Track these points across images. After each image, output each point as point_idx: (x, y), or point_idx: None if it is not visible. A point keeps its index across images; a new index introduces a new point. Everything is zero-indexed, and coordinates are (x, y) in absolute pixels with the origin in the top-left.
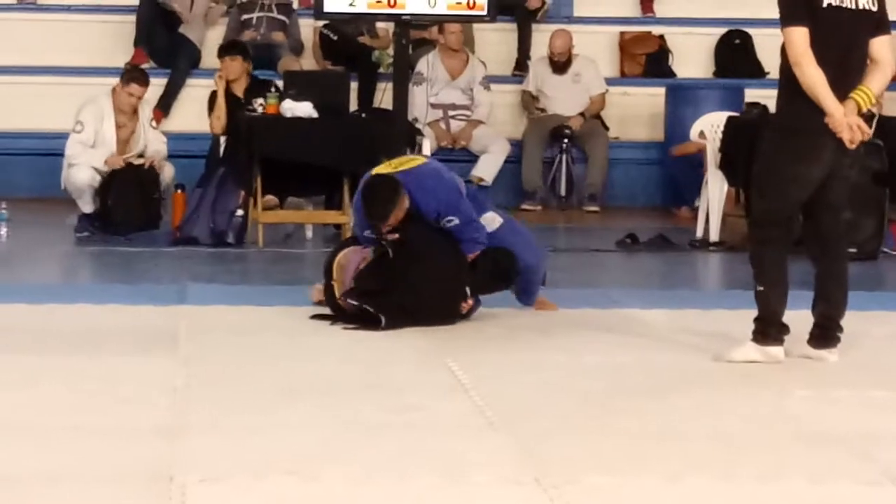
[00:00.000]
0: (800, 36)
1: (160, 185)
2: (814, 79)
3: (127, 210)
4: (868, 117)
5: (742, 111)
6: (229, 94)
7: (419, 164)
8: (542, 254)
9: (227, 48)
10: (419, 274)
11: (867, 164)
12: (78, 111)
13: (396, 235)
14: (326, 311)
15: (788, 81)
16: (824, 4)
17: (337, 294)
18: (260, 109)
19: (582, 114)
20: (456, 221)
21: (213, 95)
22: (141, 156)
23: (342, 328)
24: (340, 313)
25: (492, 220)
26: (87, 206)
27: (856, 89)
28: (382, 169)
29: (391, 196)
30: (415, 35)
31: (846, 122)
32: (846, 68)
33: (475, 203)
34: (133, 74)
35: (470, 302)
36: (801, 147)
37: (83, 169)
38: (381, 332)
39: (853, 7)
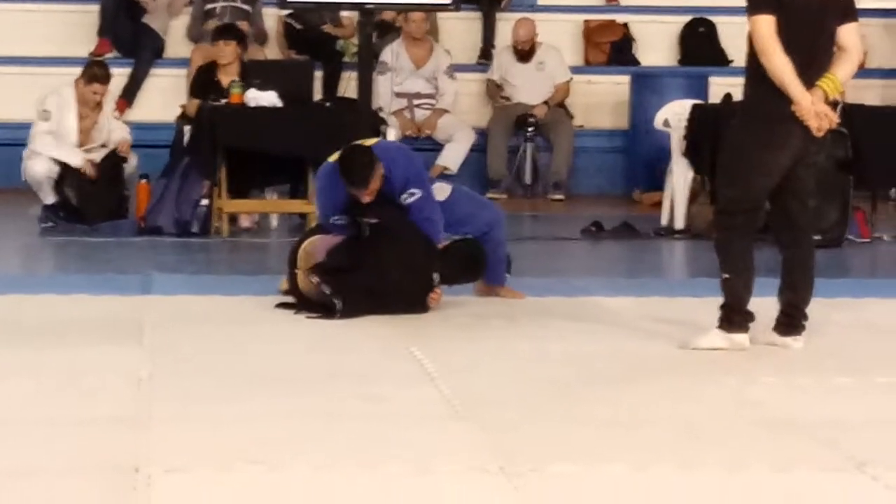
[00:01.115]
0: (766, 24)
1: (123, 174)
2: (780, 67)
3: (92, 200)
4: (832, 105)
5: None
6: (213, 81)
7: (377, 140)
8: (500, 216)
9: (222, 31)
10: (390, 255)
11: (832, 151)
12: (42, 100)
13: (374, 220)
14: (291, 300)
15: (754, 69)
16: None
17: (301, 282)
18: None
19: (546, 102)
20: (418, 195)
21: (199, 74)
22: (104, 146)
23: (305, 317)
24: (304, 302)
25: (441, 190)
26: (48, 198)
27: (823, 77)
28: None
29: (368, 162)
30: (378, 18)
31: (813, 109)
32: (813, 56)
33: None
34: (94, 73)
35: (438, 292)
36: (768, 134)
37: (41, 161)
38: (344, 320)
39: None
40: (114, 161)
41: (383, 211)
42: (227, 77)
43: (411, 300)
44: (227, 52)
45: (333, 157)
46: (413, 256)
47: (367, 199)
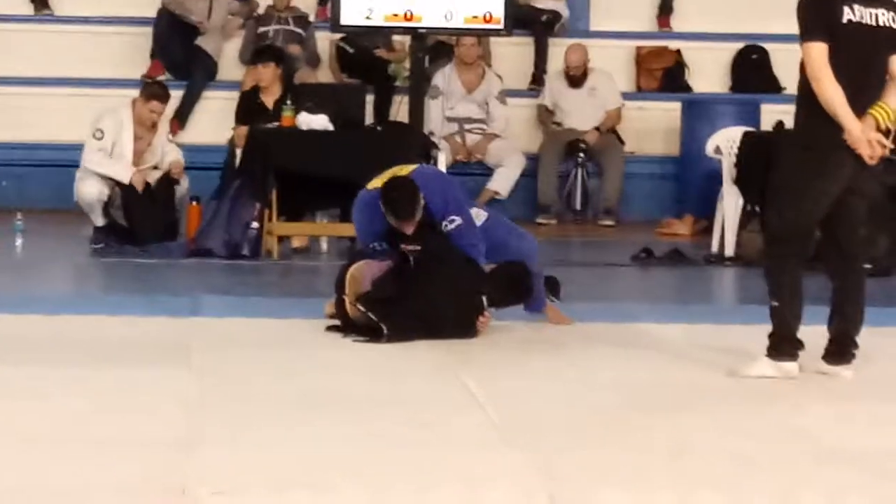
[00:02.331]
0: (818, 51)
1: (175, 196)
2: (832, 94)
3: (142, 221)
4: (884, 133)
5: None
6: (258, 103)
7: (415, 168)
8: (534, 244)
9: (259, 53)
10: (437, 281)
11: (884, 179)
12: (97, 119)
13: (418, 247)
14: (338, 323)
15: (806, 97)
16: (844, 20)
17: (348, 307)
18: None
19: (597, 128)
20: (459, 222)
21: (242, 100)
22: (156, 167)
23: (352, 340)
24: (350, 326)
25: (477, 215)
26: (98, 220)
27: (874, 106)
28: (377, 182)
29: (413, 194)
30: (432, 39)
31: (864, 137)
32: (864, 84)
33: None
34: (154, 90)
35: (487, 316)
36: (819, 163)
37: (92, 183)
38: (392, 344)
39: (873, 24)
40: (166, 183)
41: (425, 238)
42: (270, 98)
43: (460, 324)
44: (266, 74)
45: (371, 185)
46: (460, 280)
47: (409, 230)
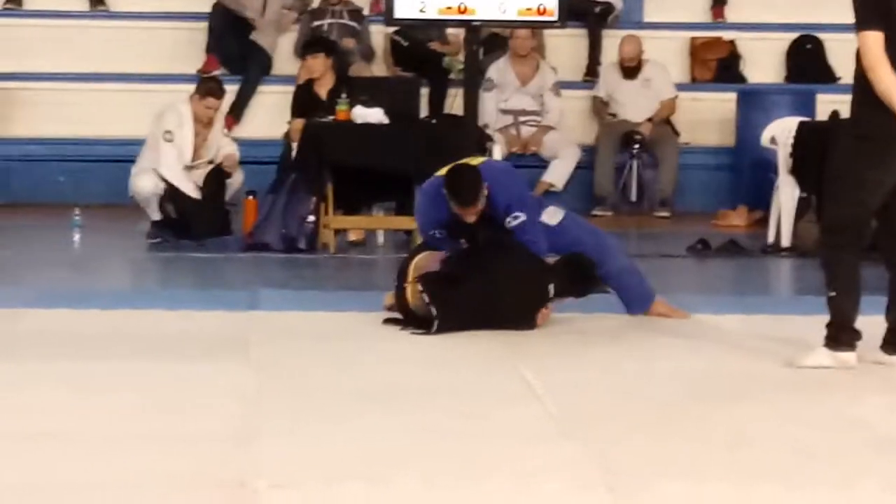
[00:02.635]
0: (874, 40)
1: (226, 190)
2: (888, 83)
3: (195, 216)
4: None
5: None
6: (312, 96)
7: (483, 160)
8: (612, 241)
9: (308, 45)
10: (505, 266)
11: None
12: (160, 117)
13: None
14: (397, 315)
15: (862, 86)
16: None
17: (409, 296)
18: None
19: (650, 118)
20: (522, 218)
21: (297, 93)
22: (211, 162)
23: (410, 333)
24: (410, 317)
25: (554, 214)
26: (155, 214)
27: None
28: (443, 170)
29: (476, 180)
30: (486, 31)
31: None
32: None
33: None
34: (209, 87)
35: (549, 308)
36: (875, 152)
37: (148, 177)
38: (448, 335)
39: None
40: (218, 176)
41: (486, 232)
42: (323, 89)
43: (521, 314)
44: (315, 65)
45: (440, 173)
46: (525, 269)
47: (471, 218)
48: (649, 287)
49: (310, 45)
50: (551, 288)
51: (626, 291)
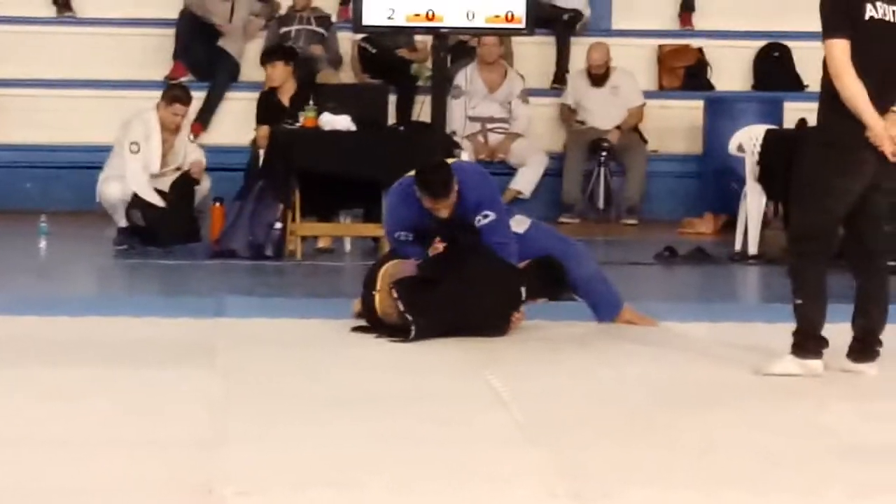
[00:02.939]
0: (841, 48)
1: (195, 196)
2: (854, 91)
3: (162, 223)
4: None
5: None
6: (275, 103)
7: (453, 161)
8: (579, 247)
9: (266, 54)
10: (478, 269)
11: None
12: (126, 126)
13: (441, 246)
14: (365, 323)
15: (829, 94)
16: (866, 17)
17: (378, 304)
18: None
19: (619, 126)
20: (492, 217)
21: (260, 101)
22: (178, 169)
23: (388, 341)
24: (378, 324)
25: (520, 222)
26: (122, 221)
27: None
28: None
29: (447, 173)
30: (453, 39)
31: (887, 134)
32: (887, 82)
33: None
34: (175, 93)
35: (522, 312)
36: (842, 160)
37: (115, 184)
38: (418, 343)
39: (894, 20)
40: (186, 183)
41: (455, 236)
42: (285, 96)
43: (495, 318)
44: (275, 73)
45: (409, 174)
46: (500, 271)
47: (444, 213)
48: (617, 294)
49: (268, 53)
50: (523, 290)
51: (595, 298)
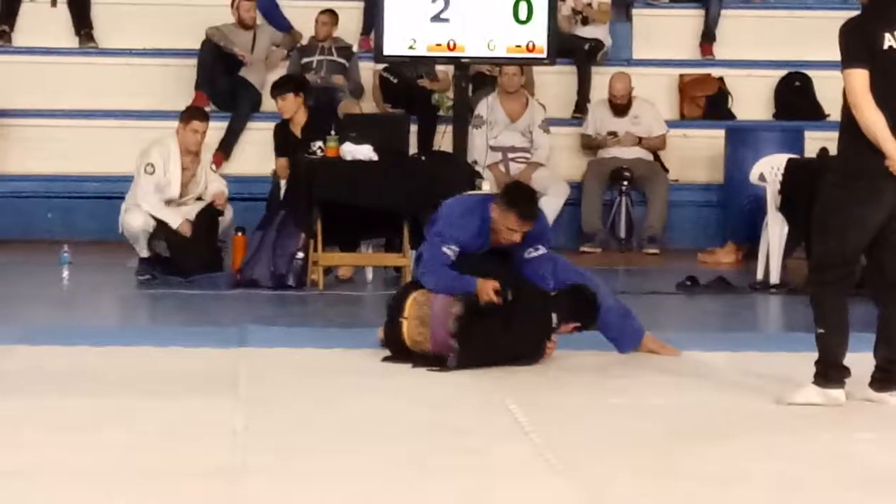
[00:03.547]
0: (859, 78)
1: (219, 226)
2: (873, 121)
3: (186, 253)
4: None
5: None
6: (289, 135)
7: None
8: (596, 280)
9: (276, 86)
10: (519, 297)
11: None
12: (145, 152)
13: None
14: (390, 353)
15: (849, 124)
16: (885, 47)
17: (405, 334)
18: (319, 152)
19: (640, 140)
20: (542, 251)
21: (275, 133)
22: (200, 199)
23: (404, 368)
24: (403, 352)
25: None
26: (144, 251)
27: None
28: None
29: (535, 198)
30: (473, 70)
31: None
32: None
33: None
34: (192, 111)
35: (554, 341)
36: (863, 190)
37: (137, 215)
38: (442, 373)
39: None
40: (210, 214)
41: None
42: (297, 127)
43: (531, 345)
44: (286, 106)
45: (472, 193)
46: (533, 298)
47: (518, 238)
48: (639, 324)
49: (277, 86)
50: (554, 317)
51: (615, 332)
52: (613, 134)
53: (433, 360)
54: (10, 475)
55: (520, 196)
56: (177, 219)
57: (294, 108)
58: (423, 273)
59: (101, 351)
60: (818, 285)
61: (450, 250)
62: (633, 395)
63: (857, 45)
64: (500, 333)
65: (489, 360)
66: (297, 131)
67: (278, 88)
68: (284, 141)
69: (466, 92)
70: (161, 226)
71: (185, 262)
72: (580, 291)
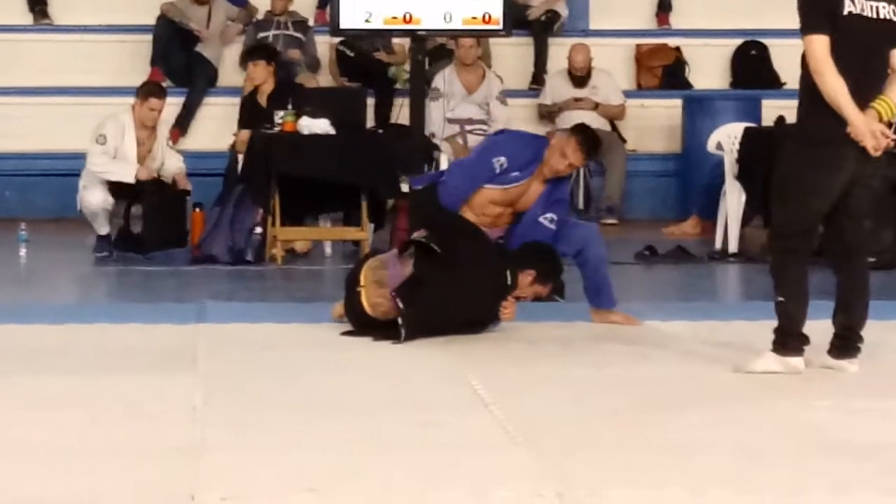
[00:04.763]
0: (820, 44)
1: (186, 203)
2: (834, 87)
3: (155, 229)
4: (887, 125)
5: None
6: (255, 106)
7: None
8: (593, 231)
9: (250, 52)
10: (467, 258)
11: (886, 173)
12: (99, 125)
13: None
14: (351, 328)
15: (809, 91)
16: (845, 12)
17: (364, 300)
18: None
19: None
20: (553, 227)
21: (242, 105)
22: (159, 177)
23: (368, 342)
24: (366, 325)
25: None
26: (102, 228)
27: (876, 99)
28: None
29: (599, 142)
30: (431, 42)
31: (868, 129)
32: (866, 77)
33: None
34: (149, 88)
35: (511, 302)
36: (823, 157)
37: (96, 192)
38: (401, 345)
39: (873, 16)
40: (175, 193)
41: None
42: (263, 97)
43: (485, 307)
44: (257, 72)
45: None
46: (487, 253)
47: (569, 170)
48: (615, 297)
49: (249, 52)
50: (508, 274)
51: (600, 282)
52: (578, 100)
53: (393, 330)
54: None
55: (587, 131)
56: (129, 171)
57: (265, 77)
58: (451, 171)
59: (59, 329)
60: (778, 253)
61: (497, 162)
62: (594, 365)
63: (816, 10)
64: (451, 290)
65: (441, 321)
66: (263, 100)
67: (251, 55)
68: (250, 113)
69: (423, 65)
70: (130, 201)
71: (153, 239)
72: (540, 248)
